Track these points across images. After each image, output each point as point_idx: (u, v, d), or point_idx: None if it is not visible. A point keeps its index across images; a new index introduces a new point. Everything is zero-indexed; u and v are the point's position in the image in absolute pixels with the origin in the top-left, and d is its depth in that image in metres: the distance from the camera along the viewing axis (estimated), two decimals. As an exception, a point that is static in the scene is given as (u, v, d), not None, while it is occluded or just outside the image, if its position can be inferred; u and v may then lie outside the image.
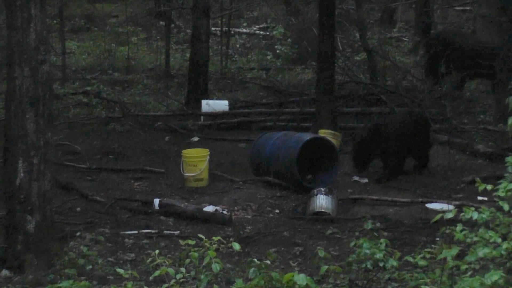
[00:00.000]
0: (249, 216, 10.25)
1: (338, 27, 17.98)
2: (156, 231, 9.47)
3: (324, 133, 12.79)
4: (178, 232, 9.49)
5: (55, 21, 20.91)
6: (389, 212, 10.19)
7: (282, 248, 8.99)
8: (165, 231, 9.49)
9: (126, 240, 9.18)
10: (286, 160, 11.11)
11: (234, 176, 11.63)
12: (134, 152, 13.26)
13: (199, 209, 10.07)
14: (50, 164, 8.24)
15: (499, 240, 5.97)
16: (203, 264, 6.17)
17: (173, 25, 22.68)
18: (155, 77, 18.95)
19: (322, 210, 10.08)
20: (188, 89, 16.23)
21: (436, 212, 9.39)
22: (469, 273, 6.05)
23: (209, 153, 11.64)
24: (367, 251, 6.95)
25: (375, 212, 10.16)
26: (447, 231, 6.15)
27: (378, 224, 9.32)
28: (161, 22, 23.05)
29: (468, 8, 23.88)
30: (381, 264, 6.94)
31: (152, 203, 10.27)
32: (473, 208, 6.15)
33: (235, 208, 10.47)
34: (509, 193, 6.18)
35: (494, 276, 5.54)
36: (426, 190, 11.13)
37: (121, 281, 7.33)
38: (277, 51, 21.08)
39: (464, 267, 6.05)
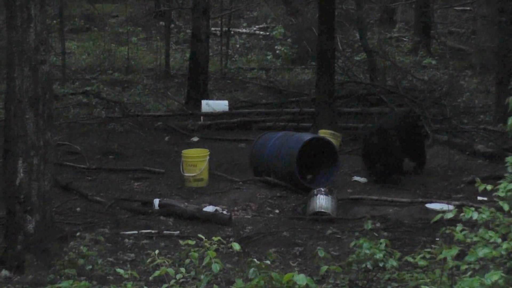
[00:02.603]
0: (249, 216, 10.24)
1: (338, 27, 17.99)
2: (156, 231, 9.46)
3: (324, 133, 12.79)
4: (178, 232, 9.48)
5: (55, 21, 20.92)
6: (389, 212, 10.19)
7: (282, 248, 8.98)
8: (165, 231, 9.48)
9: (126, 240, 9.18)
10: (286, 160, 11.10)
11: (234, 176, 11.63)
12: (134, 152, 13.26)
13: (199, 209, 10.06)
14: (50, 164, 8.24)
15: (499, 240, 5.96)
16: (203, 264, 6.16)
17: (173, 25, 22.69)
18: (155, 77, 18.95)
19: (322, 210, 10.07)
20: (188, 89, 16.24)
21: (436, 212, 9.39)
22: (469, 273, 6.04)
23: (209, 153, 11.63)
24: (367, 251, 6.95)
25: (375, 212, 10.15)
26: (447, 231, 6.14)
27: (378, 224, 9.34)
28: (161, 22, 23.05)
29: (468, 8, 23.89)
30: (381, 264, 6.94)
31: (152, 203, 10.27)
32: (473, 208, 6.14)
33: (235, 208, 10.47)
34: (509, 193, 6.17)
35: (494, 276, 5.53)
36: (426, 190, 11.13)
37: (121, 281, 7.32)
38: (277, 51, 21.09)
39: (464, 267, 6.04)
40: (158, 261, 6.21)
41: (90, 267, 8.08)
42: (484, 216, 6.07)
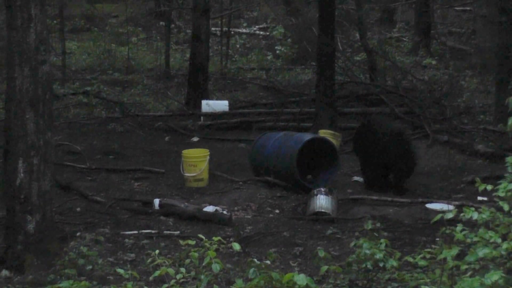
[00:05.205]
0: (249, 216, 10.24)
1: (338, 27, 17.99)
2: (156, 231, 9.46)
3: (324, 133, 12.79)
4: (178, 232, 9.48)
5: (55, 21, 20.92)
6: (389, 212, 10.19)
7: (282, 248, 8.98)
8: (165, 231, 9.48)
9: (126, 240, 9.18)
10: (286, 160, 11.10)
11: (234, 176, 11.62)
12: (134, 152, 13.26)
13: (199, 209, 10.06)
14: (50, 164, 8.24)
15: (499, 240, 5.96)
16: (203, 264, 6.17)
17: (173, 25, 22.70)
18: (155, 77, 18.96)
19: (322, 210, 10.07)
20: (188, 89, 16.24)
21: (436, 212, 9.39)
22: (469, 273, 6.04)
23: (209, 153, 11.63)
24: (367, 251, 6.95)
25: (375, 212, 10.15)
26: (447, 231, 6.14)
27: (378, 224, 9.32)
28: (161, 22, 23.05)
29: (468, 8, 23.89)
30: (381, 264, 6.94)
31: (152, 203, 10.27)
32: (473, 208, 6.14)
33: (235, 208, 10.47)
34: (509, 193, 6.17)
35: (494, 276, 5.53)
36: (426, 190, 11.12)
37: (121, 281, 7.33)
38: (277, 51, 21.08)
39: (464, 267, 6.04)
40: (158, 261, 6.21)
41: (90, 267, 8.08)
42: (484, 216, 6.07)
